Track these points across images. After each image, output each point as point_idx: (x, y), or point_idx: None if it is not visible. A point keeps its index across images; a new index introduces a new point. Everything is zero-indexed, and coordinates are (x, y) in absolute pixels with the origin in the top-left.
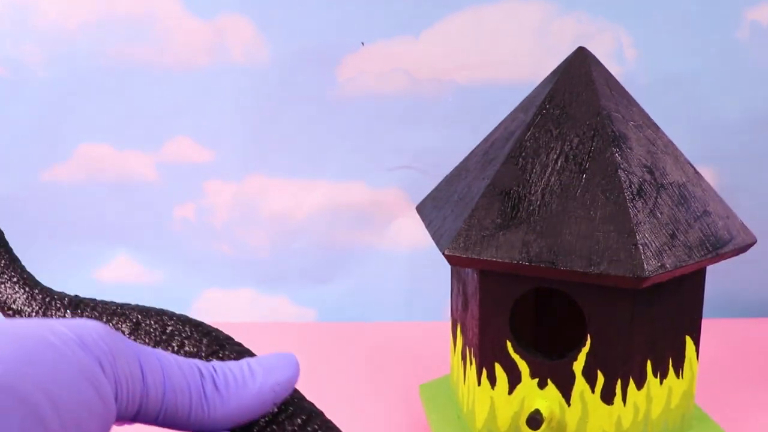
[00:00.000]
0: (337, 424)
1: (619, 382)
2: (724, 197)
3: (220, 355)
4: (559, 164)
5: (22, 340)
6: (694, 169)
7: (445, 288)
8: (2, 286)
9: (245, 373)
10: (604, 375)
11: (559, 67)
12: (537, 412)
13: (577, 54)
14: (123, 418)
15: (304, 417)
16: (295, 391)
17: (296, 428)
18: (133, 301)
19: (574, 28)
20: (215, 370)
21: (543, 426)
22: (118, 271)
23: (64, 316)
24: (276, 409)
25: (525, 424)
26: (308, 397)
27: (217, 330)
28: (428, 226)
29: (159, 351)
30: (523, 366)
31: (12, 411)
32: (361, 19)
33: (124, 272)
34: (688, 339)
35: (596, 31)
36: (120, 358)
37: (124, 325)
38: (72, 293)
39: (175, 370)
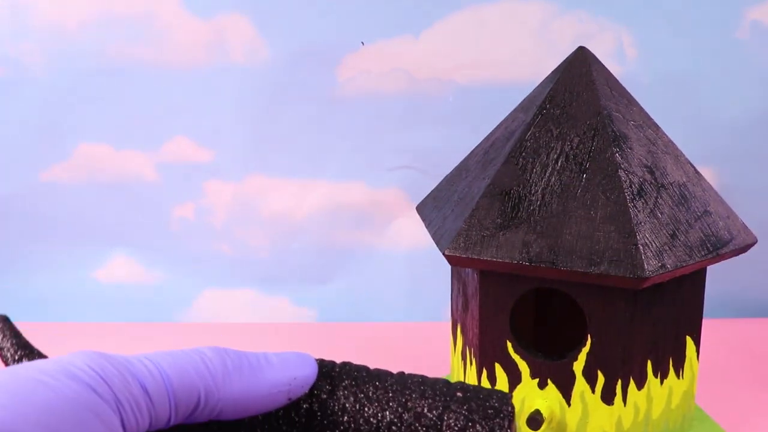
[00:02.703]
0: None
1: (619, 382)
2: (724, 197)
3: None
4: (559, 164)
5: (13, 384)
6: (695, 168)
7: (445, 288)
8: None
9: (261, 362)
10: (605, 375)
11: (559, 66)
12: (537, 412)
13: (577, 54)
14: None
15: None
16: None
17: (303, 418)
18: (132, 301)
19: (575, 27)
20: (227, 353)
21: (543, 426)
22: (117, 271)
23: None
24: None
25: (525, 424)
26: None
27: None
28: (428, 226)
29: (152, 354)
30: (523, 366)
31: None
32: (361, 19)
33: (124, 272)
34: (688, 339)
35: (597, 31)
36: (112, 378)
37: None
38: (71, 293)
39: (176, 365)
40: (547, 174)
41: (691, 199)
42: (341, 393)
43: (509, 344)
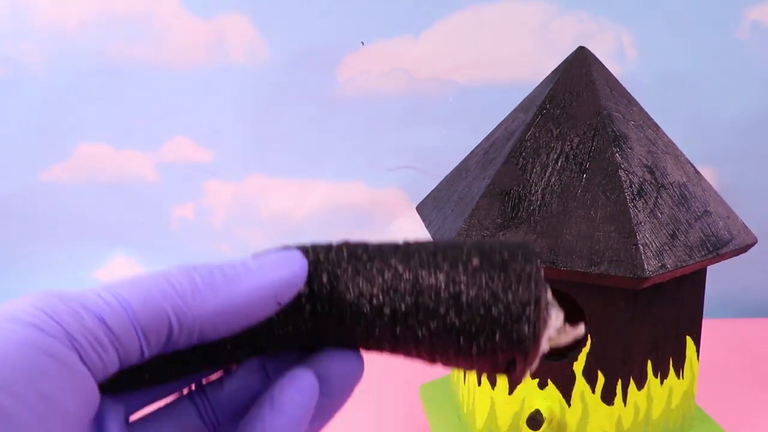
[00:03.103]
0: (337, 425)
1: (619, 382)
2: (724, 197)
3: None
4: (559, 164)
5: None
6: (695, 168)
7: None
8: None
9: (238, 270)
10: (605, 375)
11: (559, 66)
12: (537, 412)
13: (577, 54)
14: (109, 371)
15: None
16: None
17: (308, 322)
18: None
19: (575, 27)
20: (195, 269)
21: (543, 426)
22: (117, 271)
23: None
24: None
25: (525, 424)
26: None
27: None
28: (428, 226)
29: (111, 283)
30: None
31: None
32: (361, 19)
33: (124, 272)
34: (688, 339)
35: (597, 31)
36: (60, 314)
37: None
38: None
39: (137, 291)
40: (547, 174)
41: (691, 199)
42: (343, 287)
43: None
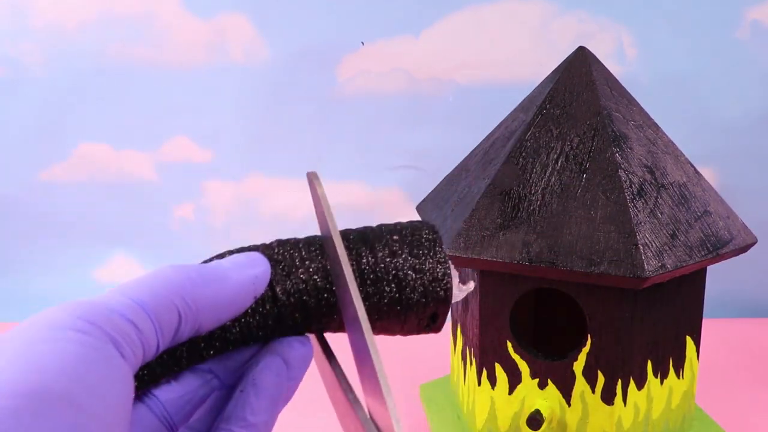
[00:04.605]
0: (338, 425)
1: (619, 382)
2: (724, 197)
3: None
4: (559, 164)
5: (24, 346)
6: (695, 168)
7: None
8: None
9: (223, 265)
10: (605, 375)
11: (559, 66)
12: (537, 412)
13: (577, 54)
14: (136, 366)
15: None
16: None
17: (272, 314)
18: None
19: (575, 27)
20: (186, 267)
21: (543, 426)
22: (116, 271)
23: None
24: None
25: (525, 424)
26: (308, 397)
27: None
28: None
29: (120, 286)
30: (523, 366)
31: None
32: (361, 19)
33: (123, 272)
34: (688, 339)
35: (597, 31)
36: (97, 319)
37: None
38: (71, 293)
39: (146, 289)
40: (547, 174)
41: (691, 199)
42: (295, 284)
43: (509, 344)
